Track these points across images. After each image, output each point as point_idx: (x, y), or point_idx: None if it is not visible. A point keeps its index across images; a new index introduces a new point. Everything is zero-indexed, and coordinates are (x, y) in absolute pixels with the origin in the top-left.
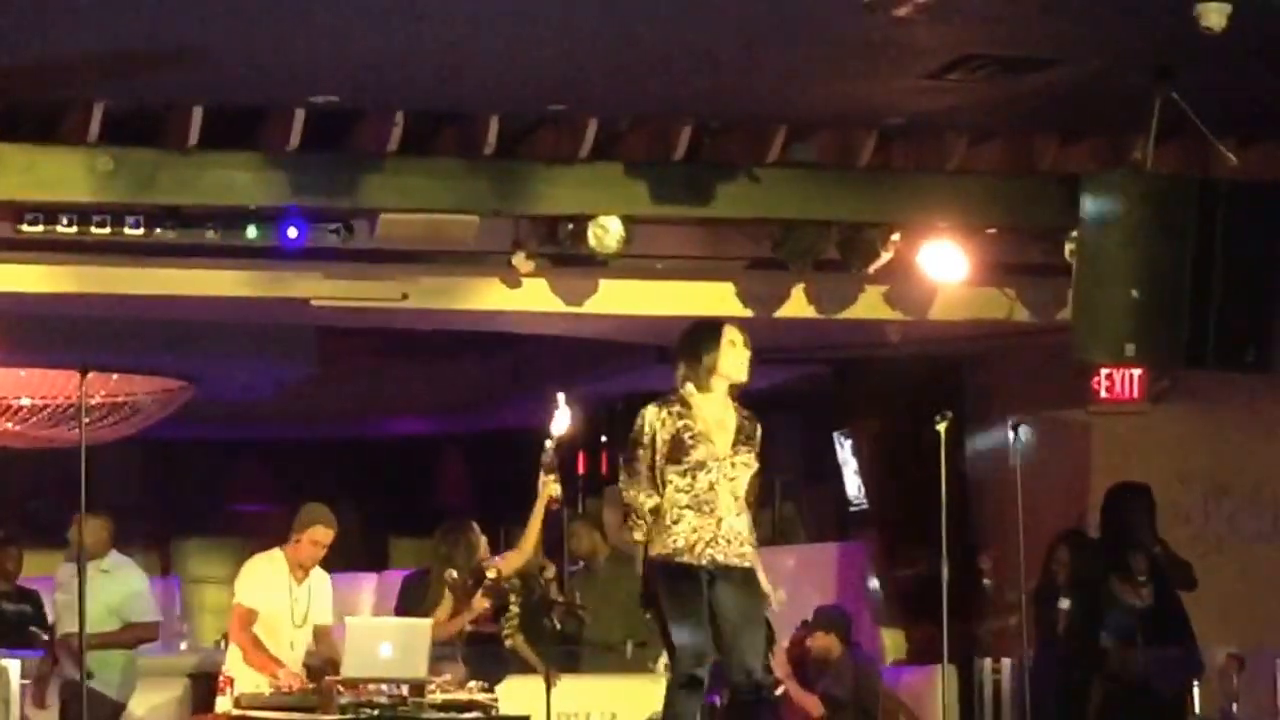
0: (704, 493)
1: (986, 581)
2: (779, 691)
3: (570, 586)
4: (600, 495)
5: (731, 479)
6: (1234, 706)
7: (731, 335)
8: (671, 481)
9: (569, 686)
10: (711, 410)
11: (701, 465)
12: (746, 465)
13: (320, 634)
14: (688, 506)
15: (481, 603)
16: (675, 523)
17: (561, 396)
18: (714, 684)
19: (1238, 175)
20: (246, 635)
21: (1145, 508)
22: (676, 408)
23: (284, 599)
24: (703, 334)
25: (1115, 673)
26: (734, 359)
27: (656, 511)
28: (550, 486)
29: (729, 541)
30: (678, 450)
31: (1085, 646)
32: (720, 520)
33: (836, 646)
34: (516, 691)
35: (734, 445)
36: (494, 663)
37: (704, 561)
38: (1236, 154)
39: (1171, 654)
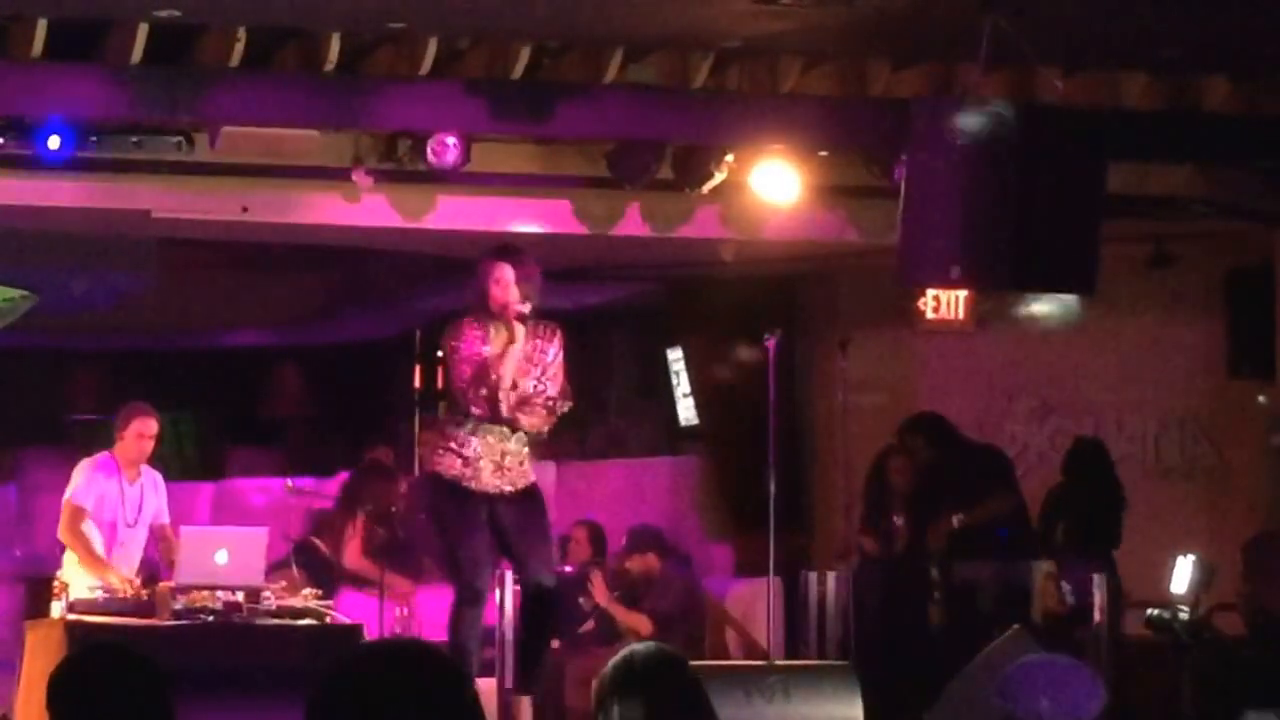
0: (490, 421)
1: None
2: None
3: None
4: (435, 410)
5: (517, 410)
6: None
7: (496, 274)
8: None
9: (405, 595)
10: (499, 333)
11: (490, 396)
12: (529, 394)
13: (160, 533)
14: (473, 433)
15: None
16: (462, 450)
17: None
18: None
19: (1063, 102)
20: (75, 534)
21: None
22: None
23: (115, 498)
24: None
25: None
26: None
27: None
28: None
29: (513, 467)
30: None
31: (918, 561)
32: (505, 452)
33: (655, 563)
34: (350, 600)
35: (523, 376)
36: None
37: (492, 491)
38: (1062, 82)
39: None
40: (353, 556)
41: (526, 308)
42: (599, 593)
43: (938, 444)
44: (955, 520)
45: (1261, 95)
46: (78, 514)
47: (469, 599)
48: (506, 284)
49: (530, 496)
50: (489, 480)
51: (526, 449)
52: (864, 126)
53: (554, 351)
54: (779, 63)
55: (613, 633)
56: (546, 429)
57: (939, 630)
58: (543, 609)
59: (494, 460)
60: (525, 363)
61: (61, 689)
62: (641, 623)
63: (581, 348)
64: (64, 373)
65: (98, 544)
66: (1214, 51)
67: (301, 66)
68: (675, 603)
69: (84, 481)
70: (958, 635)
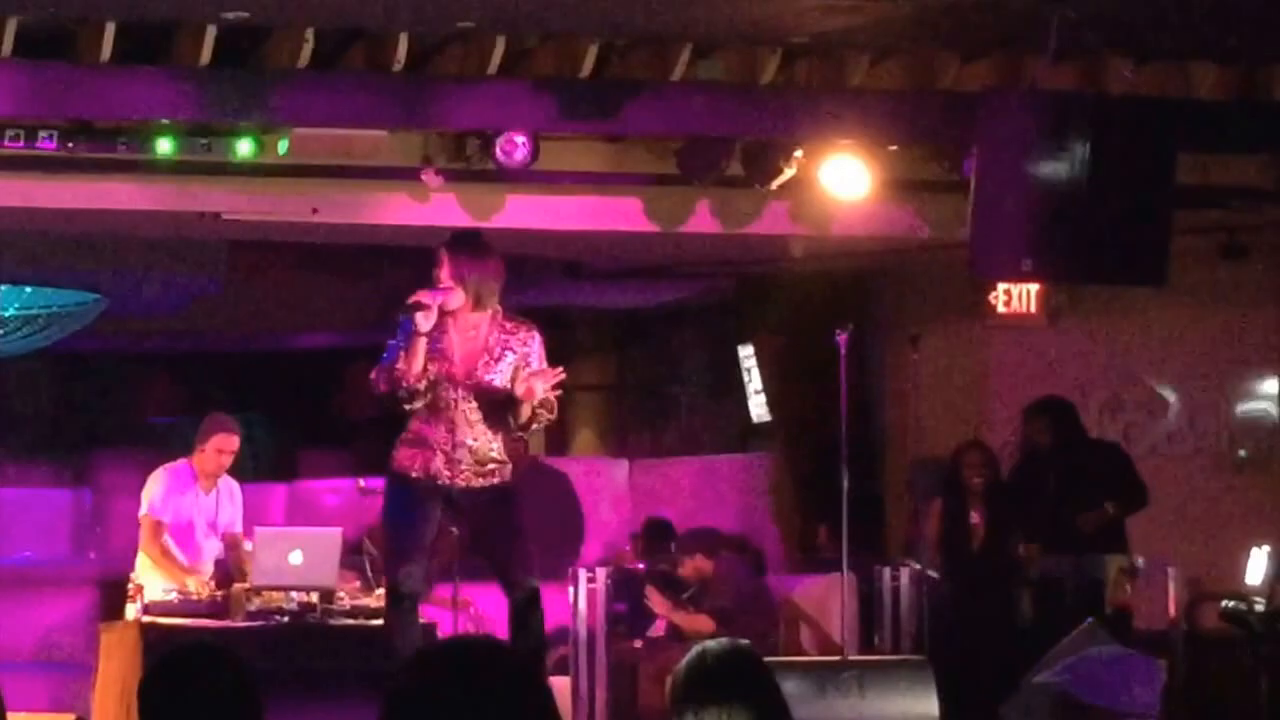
0: (441, 411)
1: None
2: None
3: None
4: None
5: (470, 401)
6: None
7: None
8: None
9: (478, 594)
10: (462, 327)
11: (437, 382)
12: (489, 386)
13: (232, 542)
14: (425, 422)
15: None
16: (414, 442)
17: None
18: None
19: (1132, 93)
20: (156, 546)
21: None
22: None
23: (192, 508)
24: None
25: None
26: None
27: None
28: None
29: (468, 463)
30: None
31: (1002, 556)
32: (457, 444)
33: (706, 564)
34: None
35: (477, 366)
36: None
37: (441, 483)
38: (1132, 72)
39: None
40: None
41: (450, 296)
42: (658, 605)
43: (1060, 431)
44: (1110, 507)
45: None
46: (158, 528)
47: (393, 600)
48: (436, 268)
49: (500, 496)
50: (440, 469)
51: (494, 448)
52: (933, 120)
53: (521, 351)
54: (847, 57)
55: (684, 632)
56: (524, 421)
57: (1021, 625)
58: (531, 618)
59: (444, 450)
60: (483, 354)
61: (153, 692)
62: (704, 623)
63: (653, 346)
64: (137, 376)
65: (177, 554)
66: None
67: (370, 67)
68: (735, 597)
69: (160, 493)
70: (1040, 630)
